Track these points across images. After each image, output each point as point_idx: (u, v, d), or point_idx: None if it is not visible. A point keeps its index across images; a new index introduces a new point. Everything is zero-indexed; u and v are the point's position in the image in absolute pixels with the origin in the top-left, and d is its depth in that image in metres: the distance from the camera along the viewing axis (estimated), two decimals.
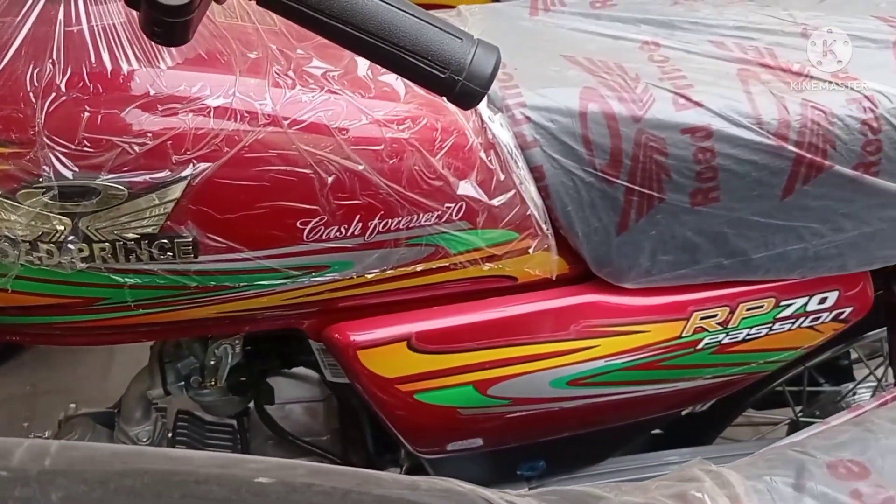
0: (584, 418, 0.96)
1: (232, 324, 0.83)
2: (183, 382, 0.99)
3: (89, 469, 0.37)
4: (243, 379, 0.99)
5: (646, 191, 0.80)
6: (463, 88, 0.57)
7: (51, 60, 0.64)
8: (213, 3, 0.56)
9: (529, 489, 0.88)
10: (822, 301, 0.93)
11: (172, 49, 0.67)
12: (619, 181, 0.79)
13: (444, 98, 0.60)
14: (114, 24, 0.66)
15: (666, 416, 1.05)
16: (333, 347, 0.84)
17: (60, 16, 0.65)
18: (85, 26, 0.65)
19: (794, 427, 1.34)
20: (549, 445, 1.04)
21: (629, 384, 0.92)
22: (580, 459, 1.09)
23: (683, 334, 0.90)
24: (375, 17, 0.55)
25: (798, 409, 1.31)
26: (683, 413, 1.12)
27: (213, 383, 0.98)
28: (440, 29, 0.56)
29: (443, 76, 0.57)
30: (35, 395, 1.90)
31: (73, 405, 1.22)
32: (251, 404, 1.08)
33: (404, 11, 0.56)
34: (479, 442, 0.99)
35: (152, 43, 0.67)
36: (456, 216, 0.77)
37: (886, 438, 0.50)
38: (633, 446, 1.17)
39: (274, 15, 0.75)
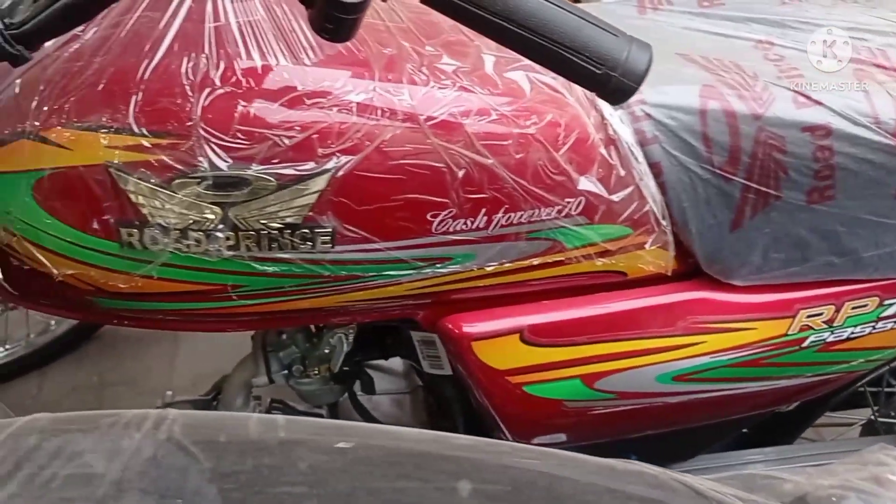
0: (684, 414, 0.97)
1: (352, 313, 0.85)
2: (286, 371, 1.02)
3: (322, 440, 0.39)
4: (346, 368, 1.01)
5: (762, 188, 0.81)
6: (616, 84, 0.58)
7: (204, 55, 0.67)
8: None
9: None
10: None
11: (315, 46, 0.70)
12: (736, 178, 0.80)
13: (595, 94, 0.61)
14: (258, 21, 0.69)
15: (761, 414, 1.06)
16: (447, 338, 0.86)
17: (208, 11, 0.67)
18: (232, 22, 0.68)
19: (870, 427, 1.33)
20: (640, 441, 1.04)
21: (733, 381, 0.93)
22: (670, 456, 1.10)
23: (789, 332, 0.91)
24: (536, 14, 0.57)
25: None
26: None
27: (316, 372, 1.01)
28: (597, 26, 0.58)
29: (598, 72, 0.58)
30: (102, 386, 1.94)
31: (169, 392, 1.25)
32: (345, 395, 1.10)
33: (563, 9, 0.57)
34: (562, 437, 1.00)
35: (296, 39, 0.69)
36: (575, 211, 0.78)
37: None
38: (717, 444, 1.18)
39: (401, 12, 0.77)
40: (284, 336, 1.03)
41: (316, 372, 1.01)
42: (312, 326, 1.02)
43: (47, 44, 0.68)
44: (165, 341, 2.04)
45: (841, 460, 0.46)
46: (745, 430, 1.18)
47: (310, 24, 0.57)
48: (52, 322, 1.91)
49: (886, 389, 1.28)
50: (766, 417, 1.13)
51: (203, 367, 1.97)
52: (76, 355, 1.98)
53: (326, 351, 0.96)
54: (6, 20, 0.59)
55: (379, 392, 1.23)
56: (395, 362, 1.23)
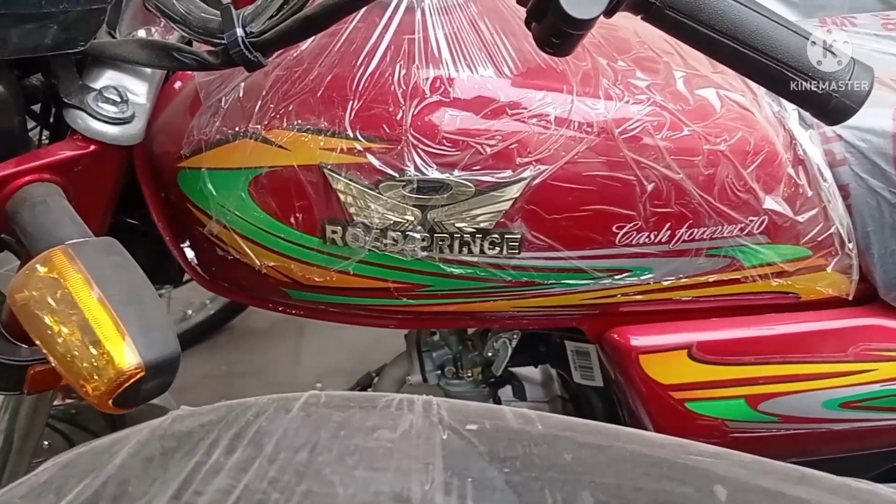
0: (844, 442, 0.95)
1: (522, 319, 0.87)
2: (439, 371, 1.05)
3: (577, 436, 0.40)
4: (499, 373, 1.03)
5: None
6: (837, 105, 0.58)
7: (415, 65, 0.70)
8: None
9: None
10: None
11: (516, 58, 0.72)
12: None
13: (810, 112, 0.61)
14: (461, 32, 0.72)
15: None
16: (613, 349, 0.87)
17: (417, 23, 0.71)
18: (440, 34, 0.71)
19: None
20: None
21: None
22: None
23: None
24: (762, 34, 0.57)
25: None
26: None
27: (469, 375, 1.04)
28: (821, 47, 0.58)
29: (820, 92, 0.58)
30: (231, 376, 2.04)
31: (318, 385, 1.31)
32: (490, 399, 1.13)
33: (787, 28, 0.58)
34: None
35: (498, 51, 0.72)
36: (757, 229, 0.78)
37: None
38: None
39: (593, 29, 0.79)
40: (437, 337, 1.06)
41: (469, 374, 1.04)
42: (469, 329, 1.05)
43: None
44: (290, 336, 2.12)
45: None
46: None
47: (535, 38, 0.60)
48: (190, 311, 2.01)
49: None
50: None
51: (326, 363, 2.05)
52: (208, 344, 2.08)
53: (489, 354, 0.98)
54: (247, 28, 0.64)
55: (514, 399, 1.25)
56: (532, 370, 1.25)
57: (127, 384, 0.54)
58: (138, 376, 0.54)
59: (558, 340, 1.01)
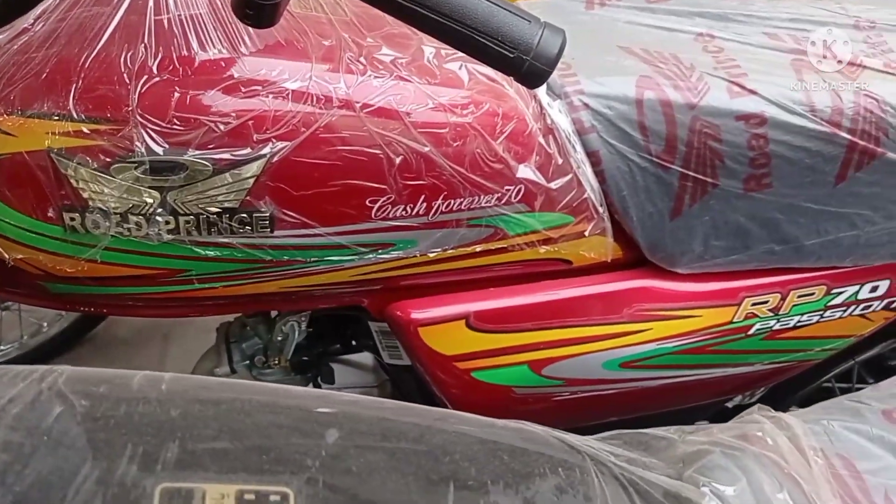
0: (634, 402, 0.98)
1: (300, 300, 0.87)
2: (248, 362, 1.04)
3: (202, 394, 0.41)
4: (306, 359, 1.03)
5: (700, 176, 0.82)
6: (530, 68, 0.60)
7: (143, 45, 0.69)
8: None
9: None
10: (874, 290, 0.94)
11: (254, 36, 0.72)
12: (673, 167, 0.82)
13: (512, 77, 0.63)
14: (199, 14, 0.71)
15: (715, 404, 1.07)
16: (395, 324, 0.88)
17: (150, 5, 0.70)
18: (173, 15, 0.70)
19: None
20: (594, 431, 1.05)
21: (680, 368, 0.94)
22: None
23: (735, 320, 0.92)
24: (450, 3, 0.59)
25: None
26: (731, 405, 1.13)
27: (276, 362, 1.03)
28: (509, 12, 0.60)
29: (511, 56, 0.60)
30: None
31: None
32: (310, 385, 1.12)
33: None
34: None
35: (235, 30, 0.72)
36: (515, 198, 0.80)
37: None
38: None
39: (345, 6, 0.80)
40: (248, 327, 1.05)
41: (276, 362, 1.03)
42: (273, 316, 1.04)
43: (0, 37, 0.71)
44: (155, 343, 2.06)
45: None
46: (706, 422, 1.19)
47: (233, 11, 0.60)
48: (45, 324, 1.93)
49: (857, 385, 1.28)
50: (727, 411, 1.14)
51: (191, 368, 2.00)
52: (68, 357, 2.00)
53: (279, 339, 0.98)
54: None
55: (346, 386, 1.25)
56: (365, 356, 1.25)
57: None
58: None
59: (365, 322, 1.02)
